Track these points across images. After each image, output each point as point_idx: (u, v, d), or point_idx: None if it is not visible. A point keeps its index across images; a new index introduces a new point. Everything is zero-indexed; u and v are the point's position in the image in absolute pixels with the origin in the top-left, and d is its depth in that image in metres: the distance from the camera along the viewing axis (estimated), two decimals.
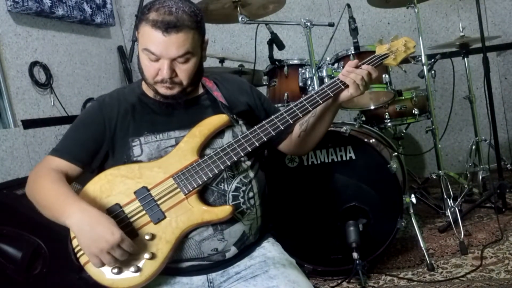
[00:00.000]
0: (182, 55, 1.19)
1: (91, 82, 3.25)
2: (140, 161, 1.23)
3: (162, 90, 1.24)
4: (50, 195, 1.17)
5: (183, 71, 1.22)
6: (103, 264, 1.09)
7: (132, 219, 1.16)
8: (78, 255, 1.15)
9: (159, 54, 1.18)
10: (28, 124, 2.66)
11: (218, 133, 1.27)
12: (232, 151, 1.20)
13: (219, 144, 1.25)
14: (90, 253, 1.08)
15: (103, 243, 1.05)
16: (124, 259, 1.09)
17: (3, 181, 2.28)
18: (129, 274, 1.12)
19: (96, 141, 1.27)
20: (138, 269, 1.12)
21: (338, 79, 1.31)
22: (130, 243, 1.09)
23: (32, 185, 1.24)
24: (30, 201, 1.23)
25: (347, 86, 1.30)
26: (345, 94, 1.32)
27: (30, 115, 2.70)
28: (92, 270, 1.13)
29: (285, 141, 1.47)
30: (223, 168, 1.19)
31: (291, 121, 1.26)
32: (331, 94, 1.30)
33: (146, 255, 1.12)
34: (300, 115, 1.27)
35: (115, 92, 1.37)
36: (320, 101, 1.29)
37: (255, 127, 1.25)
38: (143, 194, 1.17)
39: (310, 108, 1.28)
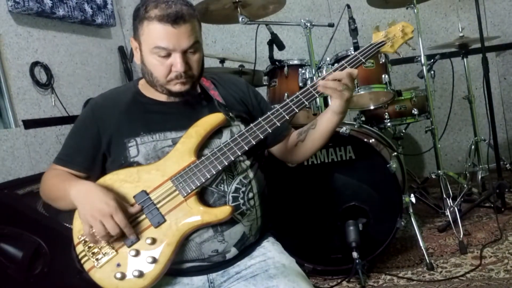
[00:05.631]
0: (192, 44, 1.20)
1: (91, 82, 3.26)
2: (137, 162, 1.22)
3: (177, 87, 1.23)
4: (57, 185, 1.24)
5: (195, 62, 1.23)
6: (93, 234, 1.11)
7: (132, 224, 1.15)
8: (82, 261, 1.16)
9: (172, 47, 1.17)
10: (29, 124, 2.67)
11: (216, 132, 1.25)
12: (229, 150, 1.19)
13: (217, 144, 1.24)
14: (84, 219, 1.12)
15: (97, 212, 1.10)
16: (115, 234, 1.10)
17: (4, 181, 2.29)
18: (132, 278, 1.12)
19: (93, 146, 1.27)
20: (141, 273, 1.12)
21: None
22: (123, 218, 1.10)
23: (43, 188, 1.31)
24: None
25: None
26: (334, 103, 1.30)
27: (31, 115, 2.71)
28: (97, 276, 1.14)
29: (280, 145, 1.45)
30: (220, 168, 1.18)
31: (287, 117, 1.24)
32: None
33: (149, 259, 1.12)
34: (296, 110, 1.25)
35: (109, 92, 1.38)
36: (316, 95, 1.27)
37: (251, 124, 1.23)
38: (142, 198, 1.16)
39: (306, 103, 1.26)
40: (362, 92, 2.29)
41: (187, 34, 1.18)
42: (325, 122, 1.35)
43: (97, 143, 1.27)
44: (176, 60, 1.18)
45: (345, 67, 1.30)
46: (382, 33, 1.38)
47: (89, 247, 1.16)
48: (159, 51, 1.18)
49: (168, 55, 1.19)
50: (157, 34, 1.17)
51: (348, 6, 2.19)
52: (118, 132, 1.26)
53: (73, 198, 1.15)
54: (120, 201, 1.13)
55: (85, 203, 1.12)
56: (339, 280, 1.98)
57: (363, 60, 1.33)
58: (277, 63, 2.38)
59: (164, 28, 1.16)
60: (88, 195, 1.13)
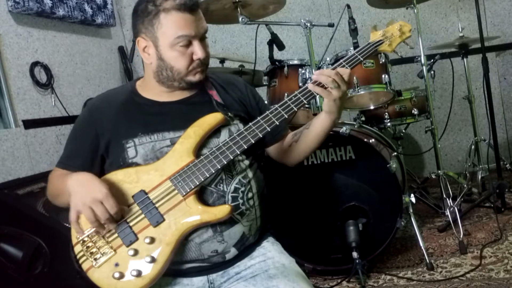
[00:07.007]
0: (207, 29, 1.26)
1: (91, 82, 3.26)
2: (136, 163, 1.22)
3: (197, 76, 1.27)
4: (58, 182, 1.26)
5: (207, 47, 1.28)
6: (78, 222, 1.12)
7: (131, 223, 1.15)
8: (80, 261, 1.16)
9: (194, 34, 1.22)
10: (29, 124, 2.67)
11: (214, 132, 1.25)
12: (228, 149, 1.19)
13: (216, 143, 1.23)
14: (74, 206, 1.12)
15: (89, 198, 1.09)
16: (104, 220, 1.10)
17: (4, 181, 2.29)
18: (131, 278, 1.12)
19: (92, 148, 1.28)
20: (140, 273, 1.12)
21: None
22: (113, 204, 1.10)
23: (48, 188, 1.34)
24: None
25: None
26: (324, 102, 1.28)
27: (31, 115, 2.71)
28: (95, 276, 1.14)
29: (276, 145, 1.44)
30: (219, 167, 1.17)
31: (286, 116, 1.24)
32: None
33: (147, 259, 1.12)
34: (295, 108, 1.25)
35: (106, 93, 1.38)
36: (315, 93, 1.26)
37: (250, 124, 1.23)
38: (141, 198, 1.16)
39: (305, 101, 1.26)
40: (362, 92, 2.29)
41: (202, 19, 1.24)
42: (318, 123, 1.34)
43: (95, 145, 1.27)
44: (197, 47, 1.23)
45: (343, 66, 1.29)
46: (380, 32, 1.38)
47: (87, 247, 1.16)
48: (181, 40, 1.21)
49: (188, 44, 1.22)
50: (177, 23, 1.20)
51: (348, 6, 2.19)
52: (116, 133, 1.25)
53: (69, 187, 1.14)
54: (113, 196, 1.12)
55: (79, 190, 1.13)
56: (339, 280, 1.98)
57: (361, 59, 1.32)
58: (277, 63, 2.38)
59: (184, 16, 1.20)
60: (83, 183, 1.13)
